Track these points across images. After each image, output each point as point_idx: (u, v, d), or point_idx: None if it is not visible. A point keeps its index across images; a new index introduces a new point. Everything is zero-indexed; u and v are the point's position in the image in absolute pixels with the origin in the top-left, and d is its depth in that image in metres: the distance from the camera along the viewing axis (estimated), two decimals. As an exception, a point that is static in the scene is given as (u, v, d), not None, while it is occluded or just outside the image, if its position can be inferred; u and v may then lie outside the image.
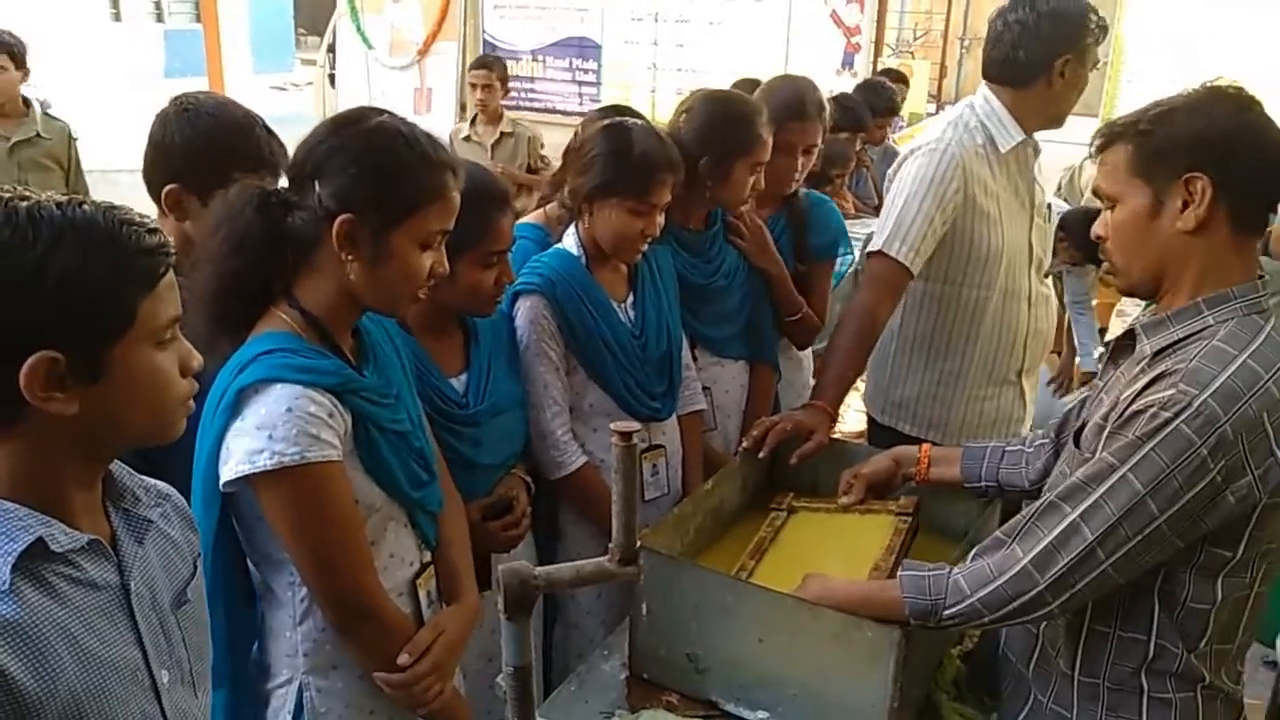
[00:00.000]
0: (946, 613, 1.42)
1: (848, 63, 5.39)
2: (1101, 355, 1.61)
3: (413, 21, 6.91)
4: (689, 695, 1.63)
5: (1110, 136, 1.45)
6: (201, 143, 1.73)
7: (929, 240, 2.26)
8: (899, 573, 1.48)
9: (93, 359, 0.98)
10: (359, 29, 7.28)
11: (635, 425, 1.08)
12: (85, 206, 0.99)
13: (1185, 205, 1.36)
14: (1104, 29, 2.24)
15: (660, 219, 2.07)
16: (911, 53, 10.12)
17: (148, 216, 1.05)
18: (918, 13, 10.99)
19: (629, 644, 1.69)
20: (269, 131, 1.82)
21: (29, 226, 0.95)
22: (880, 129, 4.77)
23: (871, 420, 2.63)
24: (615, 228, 2.05)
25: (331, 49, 7.70)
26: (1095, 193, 1.51)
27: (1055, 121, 2.33)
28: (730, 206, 2.33)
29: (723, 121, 2.27)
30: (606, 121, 2.13)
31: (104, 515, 1.08)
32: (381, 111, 1.50)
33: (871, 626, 1.45)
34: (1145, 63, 7.58)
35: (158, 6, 16.13)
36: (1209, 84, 1.41)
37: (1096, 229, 1.49)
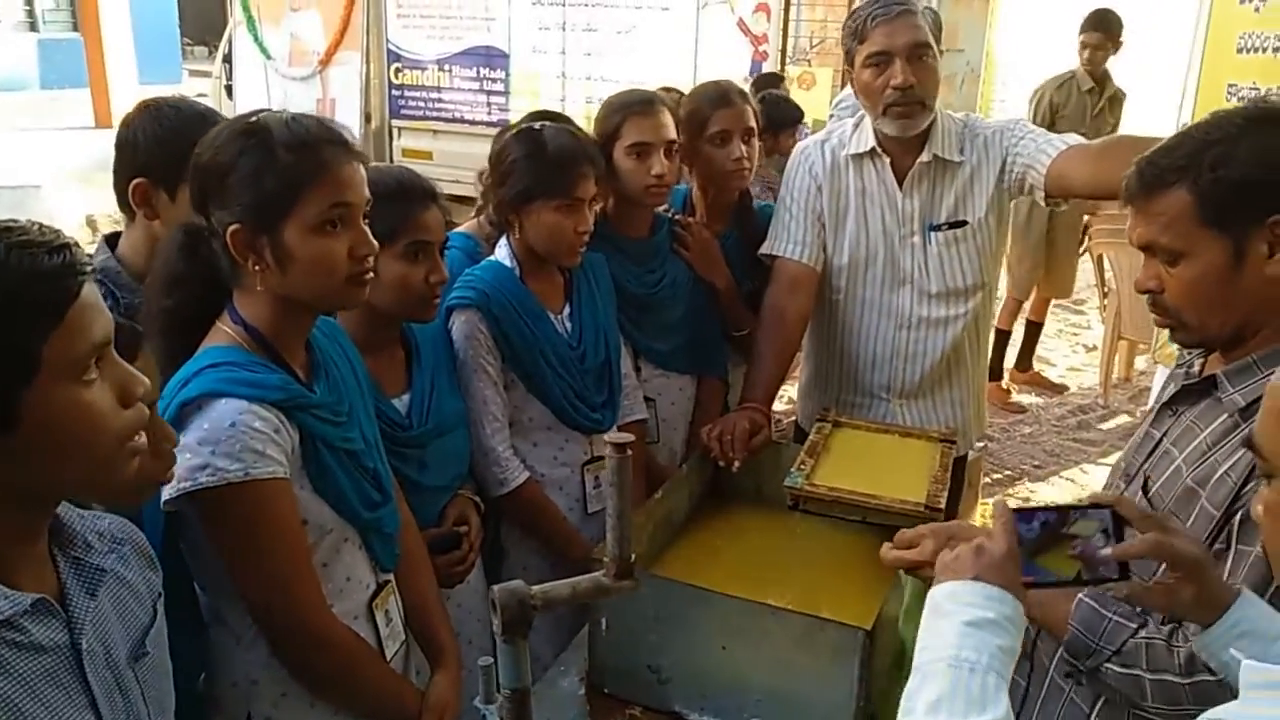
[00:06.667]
0: (1106, 666, 1.29)
1: (755, 70, 5.47)
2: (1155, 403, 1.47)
3: (314, 31, 6.74)
4: (652, 707, 1.62)
5: (1155, 183, 1.30)
6: (166, 135, 1.71)
7: (810, 231, 2.33)
8: (1080, 596, 1.32)
9: None
10: (257, 39, 7.06)
11: (628, 436, 1.07)
12: None
13: (1273, 249, 1.26)
14: (855, 31, 2.19)
15: (591, 214, 2.05)
16: (809, 60, 10.34)
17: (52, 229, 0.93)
18: (813, 21, 11.23)
19: (588, 658, 1.67)
20: None
21: None
22: (787, 139, 4.84)
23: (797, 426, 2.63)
24: (547, 231, 2.02)
25: (227, 59, 7.45)
26: (1144, 246, 1.36)
27: (886, 125, 2.22)
28: (632, 199, 2.27)
29: (601, 111, 2.29)
30: (517, 128, 2.11)
31: (52, 566, 1.00)
32: (251, 114, 1.46)
33: (834, 628, 1.47)
34: (1015, 69, 7.98)
35: (30, 15, 15.33)
36: (1259, 103, 1.31)
37: (1147, 283, 1.36)
